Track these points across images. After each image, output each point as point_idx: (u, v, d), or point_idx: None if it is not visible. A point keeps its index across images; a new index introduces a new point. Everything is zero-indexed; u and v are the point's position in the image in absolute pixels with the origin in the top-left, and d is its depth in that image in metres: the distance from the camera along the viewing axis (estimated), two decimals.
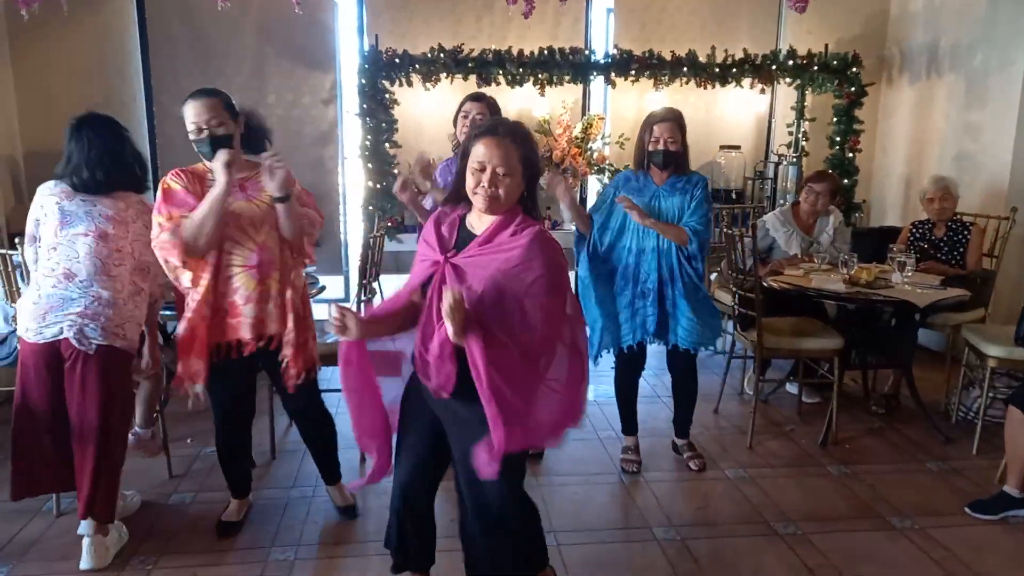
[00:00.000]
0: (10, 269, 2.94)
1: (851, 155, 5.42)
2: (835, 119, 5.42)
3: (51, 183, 2.65)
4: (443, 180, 3.20)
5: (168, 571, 2.57)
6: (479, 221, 1.98)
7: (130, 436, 3.17)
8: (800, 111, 5.56)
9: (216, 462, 2.91)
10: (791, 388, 4.31)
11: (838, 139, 5.42)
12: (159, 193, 2.49)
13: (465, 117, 3.14)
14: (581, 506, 3.06)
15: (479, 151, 1.90)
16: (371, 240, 3.90)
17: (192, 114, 2.47)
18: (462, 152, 1.98)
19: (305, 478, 3.25)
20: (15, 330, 3.03)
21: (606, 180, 5.50)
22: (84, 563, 2.54)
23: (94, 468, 2.53)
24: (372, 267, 3.94)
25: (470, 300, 1.86)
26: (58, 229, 2.57)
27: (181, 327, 2.52)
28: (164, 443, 3.28)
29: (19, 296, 2.88)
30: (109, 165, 2.62)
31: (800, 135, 5.54)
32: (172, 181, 2.50)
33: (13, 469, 2.62)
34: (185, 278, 2.47)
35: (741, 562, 2.68)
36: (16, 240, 2.77)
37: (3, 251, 2.96)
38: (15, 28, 4.57)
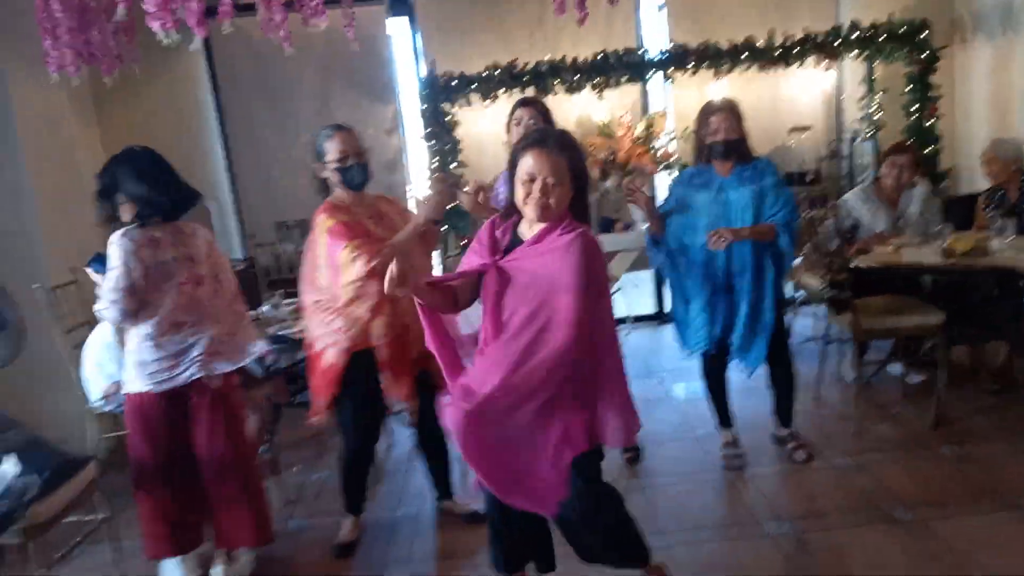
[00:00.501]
0: None
1: (930, 123, 5.21)
2: (908, 88, 5.23)
3: (124, 236, 2.49)
4: (505, 190, 3.23)
5: None
6: (529, 229, 2.05)
7: None
8: (870, 84, 5.38)
9: (325, 486, 2.98)
10: (893, 369, 4.15)
11: (914, 108, 5.21)
12: (333, 226, 2.59)
13: (517, 124, 3.13)
14: (686, 505, 3.02)
15: (528, 163, 1.95)
16: (447, 260, 3.97)
17: (340, 143, 2.66)
18: (510, 164, 2.03)
19: (411, 498, 3.32)
20: None
21: (675, 175, 5.45)
22: None
23: (248, 493, 2.64)
24: None
25: (515, 300, 1.97)
26: (157, 284, 2.52)
27: (337, 357, 2.68)
28: (275, 468, 3.39)
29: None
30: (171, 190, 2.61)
31: (873, 109, 5.35)
32: (337, 216, 2.63)
33: (168, 530, 2.62)
34: (363, 308, 2.63)
35: (859, 553, 2.59)
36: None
37: None
38: (99, 93, 4.86)
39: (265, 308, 3.82)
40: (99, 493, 2.74)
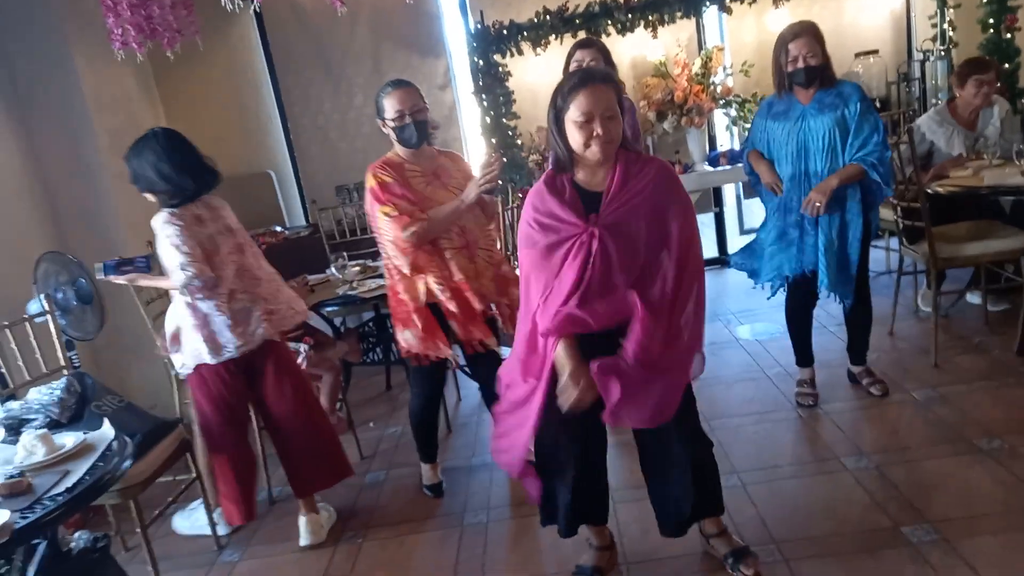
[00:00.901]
0: None
1: (1009, 36, 4.88)
2: (985, 0, 4.89)
3: (170, 217, 2.56)
4: None
5: (376, 542, 2.77)
6: (593, 177, 1.98)
7: None
8: None
9: (400, 440, 3.07)
10: (972, 299, 3.99)
11: (991, 21, 4.89)
12: (374, 186, 2.66)
13: (579, 66, 3.06)
14: (761, 445, 2.99)
15: (581, 104, 1.87)
16: (506, 212, 3.96)
17: (397, 102, 2.66)
18: (555, 116, 1.94)
19: (483, 446, 3.39)
20: None
21: (732, 113, 5.27)
22: (303, 540, 2.79)
23: (321, 439, 2.81)
24: (513, 239, 4.00)
25: (632, 250, 1.90)
26: (211, 257, 2.59)
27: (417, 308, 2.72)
28: (351, 426, 3.50)
29: None
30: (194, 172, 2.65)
31: (946, 25, 5.04)
32: (384, 175, 2.67)
33: (241, 495, 2.79)
34: (406, 265, 2.67)
35: (945, 483, 2.53)
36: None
37: None
38: (159, 68, 4.97)
39: (331, 271, 3.90)
40: (188, 454, 2.88)
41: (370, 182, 2.68)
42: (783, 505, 2.57)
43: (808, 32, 2.89)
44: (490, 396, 3.07)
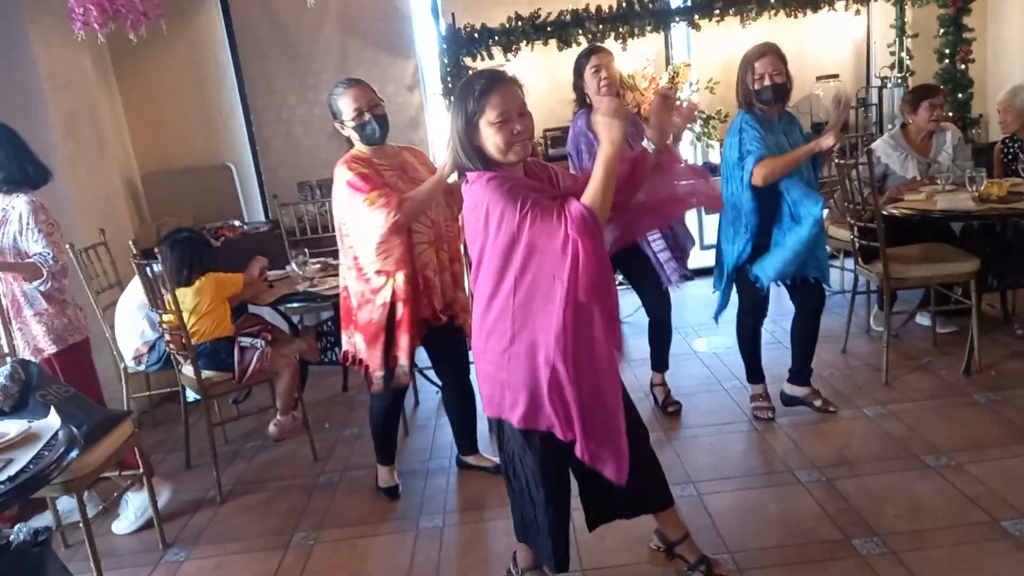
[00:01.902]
0: (152, 279, 3.11)
1: (963, 67, 5.06)
2: (941, 31, 5.07)
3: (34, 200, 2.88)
4: (574, 146, 3.18)
5: (329, 544, 2.72)
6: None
7: (272, 426, 3.38)
8: (901, 28, 5.23)
9: (355, 443, 3.02)
10: (922, 320, 4.11)
11: (947, 51, 5.06)
12: (351, 179, 2.55)
13: (597, 71, 3.05)
14: (718, 455, 3.02)
15: (497, 103, 1.81)
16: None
17: (352, 100, 2.60)
18: (466, 122, 1.84)
19: (439, 450, 3.35)
20: (162, 335, 3.26)
21: (697, 128, 5.36)
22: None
23: None
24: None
25: None
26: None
27: (377, 314, 2.63)
28: (306, 426, 3.42)
29: (161, 305, 3.08)
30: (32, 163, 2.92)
31: (903, 54, 5.21)
32: (359, 167, 2.59)
33: None
34: (390, 264, 2.59)
35: (894, 497, 2.59)
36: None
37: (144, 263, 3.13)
38: (118, 52, 4.83)
39: (291, 267, 3.83)
40: (136, 449, 2.79)
41: (345, 175, 2.57)
42: (738, 515, 2.60)
43: (773, 52, 2.97)
44: (451, 398, 3.05)
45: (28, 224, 2.82)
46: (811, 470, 2.82)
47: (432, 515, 2.83)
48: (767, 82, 2.94)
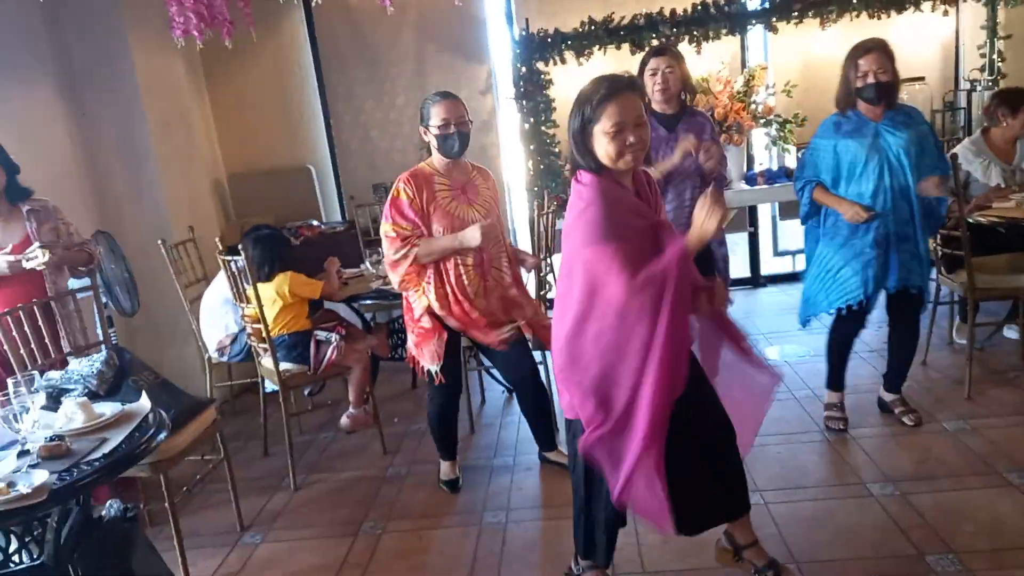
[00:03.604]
0: (236, 273, 3.26)
1: None
2: None
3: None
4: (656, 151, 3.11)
5: (396, 534, 2.80)
6: (622, 179, 1.98)
7: (345, 417, 3.49)
8: (992, 29, 5.00)
9: (423, 438, 3.11)
10: (1009, 333, 3.93)
11: None
12: (393, 197, 2.77)
13: (653, 75, 3.07)
14: (787, 465, 2.97)
15: (613, 114, 1.85)
16: (541, 218, 3.98)
17: (443, 111, 2.73)
18: (581, 126, 1.90)
19: (504, 448, 3.40)
20: (244, 328, 3.41)
21: (773, 132, 5.25)
22: None
23: None
24: (547, 245, 4.02)
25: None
26: None
27: (418, 317, 2.86)
28: (377, 420, 3.53)
29: (243, 298, 3.23)
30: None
31: (995, 56, 4.99)
32: (405, 189, 2.76)
33: None
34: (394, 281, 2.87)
35: (973, 514, 2.49)
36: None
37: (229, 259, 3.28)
38: (209, 60, 5.07)
39: (365, 266, 3.96)
40: (218, 435, 2.93)
41: (394, 190, 2.77)
42: (805, 526, 2.55)
43: (880, 48, 2.85)
44: (527, 396, 3.08)
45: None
46: (885, 483, 2.74)
47: (496, 511, 2.87)
48: (871, 79, 2.83)
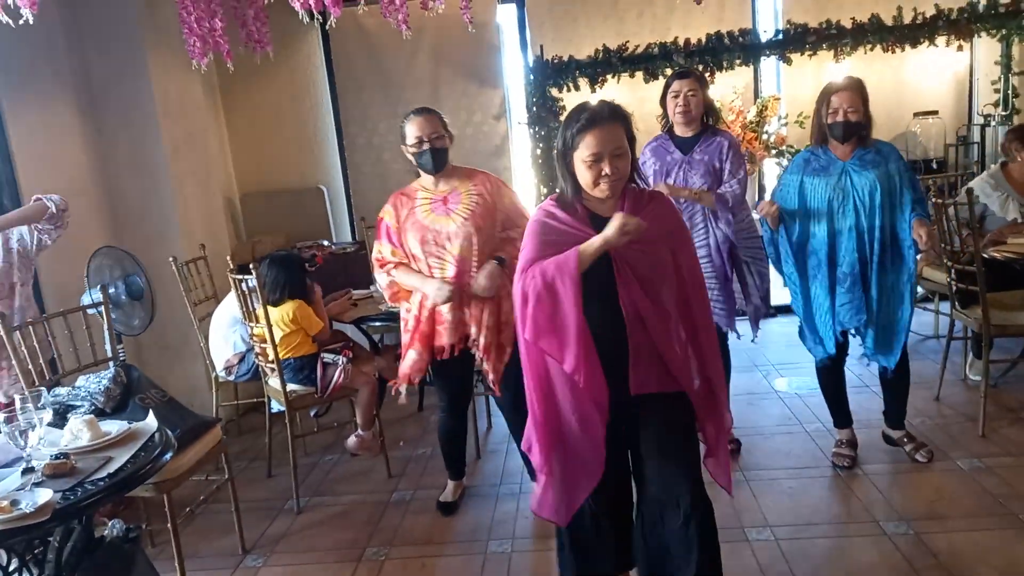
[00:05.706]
0: (247, 293, 3.26)
1: None
2: None
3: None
4: (659, 159, 3.19)
5: (399, 561, 2.76)
6: (601, 205, 1.98)
7: (352, 438, 3.46)
8: (1007, 64, 5.01)
9: (428, 462, 3.08)
10: None
11: None
12: (380, 219, 2.85)
13: (676, 97, 3.09)
14: (796, 500, 2.92)
15: (590, 144, 1.88)
16: None
17: (416, 128, 2.72)
18: (563, 152, 1.95)
19: (510, 475, 3.37)
20: (252, 348, 3.40)
21: (784, 163, 5.25)
22: None
23: None
24: None
25: (643, 284, 1.93)
26: None
27: (403, 336, 2.87)
28: (382, 444, 3.50)
29: (253, 318, 3.22)
30: None
31: (1009, 90, 4.99)
32: (388, 211, 2.82)
33: None
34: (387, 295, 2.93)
35: (988, 556, 2.44)
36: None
37: (240, 277, 3.28)
38: (225, 81, 5.12)
39: (375, 288, 3.94)
40: (223, 455, 2.91)
41: (381, 213, 2.84)
42: (817, 564, 2.50)
43: (853, 88, 2.86)
44: (515, 426, 3.04)
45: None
46: (898, 522, 2.69)
47: (501, 540, 2.83)
48: (840, 117, 2.84)
